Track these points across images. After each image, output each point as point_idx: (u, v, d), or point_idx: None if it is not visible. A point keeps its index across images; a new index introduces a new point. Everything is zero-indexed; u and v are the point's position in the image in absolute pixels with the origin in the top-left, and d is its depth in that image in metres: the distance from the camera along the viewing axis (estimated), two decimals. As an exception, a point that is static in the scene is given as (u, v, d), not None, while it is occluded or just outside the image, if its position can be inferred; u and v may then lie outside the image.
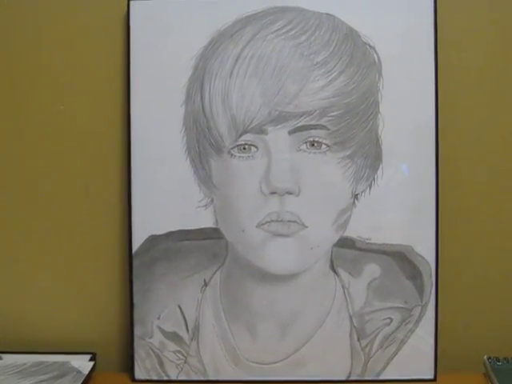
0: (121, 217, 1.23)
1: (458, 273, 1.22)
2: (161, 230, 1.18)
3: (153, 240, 1.18)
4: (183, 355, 1.18)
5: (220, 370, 1.18)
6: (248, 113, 1.12)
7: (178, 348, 1.18)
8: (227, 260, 1.18)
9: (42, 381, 1.14)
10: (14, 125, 1.24)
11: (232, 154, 1.13)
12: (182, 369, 1.19)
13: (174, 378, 1.19)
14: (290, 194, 1.12)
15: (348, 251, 1.17)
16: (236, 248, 1.16)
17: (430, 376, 1.17)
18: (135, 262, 1.19)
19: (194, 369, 1.19)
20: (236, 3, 1.15)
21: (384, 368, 1.18)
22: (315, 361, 1.18)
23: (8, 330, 1.25)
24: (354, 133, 1.14)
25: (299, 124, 1.12)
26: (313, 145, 1.13)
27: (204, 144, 1.15)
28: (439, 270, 1.17)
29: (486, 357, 1.19)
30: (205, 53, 1.15)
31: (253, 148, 1.13)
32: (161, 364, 1.19)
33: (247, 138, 1.12)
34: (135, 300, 1.19)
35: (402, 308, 1.17)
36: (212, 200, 1.17)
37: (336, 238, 1.16)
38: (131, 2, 1.18)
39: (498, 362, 1.17)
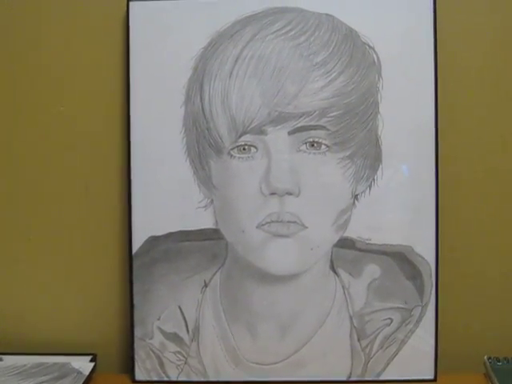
0: (121, 217, 1.23)
1: (458, 273, 1.22)
2: (161, 231, 1.18)
3: (153, 241, 1.18)
4: (183, 356, 1.18)
5: (220, 370, 1.18)
6: (248, 113, 1.12)
7: (179, 349, 1.18)
8: (227, 261, 1.18)
9: (42, 382, 1.14)
10: (14, 125, 1.24)
11: (232, 155, 1.13)
12: (182, 370, 1.19)
13: (174, 378, 1.19)
14: (290, 194, 1.12)
15: (348, 252, 1.17)
16: (236, 249, 1.16)
17: (431, 376, 1.17)
18: (135, 263, 1.19)
19: (195, 369, 1.19)
20: (235, 4, 1.15)
21: (384, 368, 1.18)
22: (315, 361, 1.18)
23: (8, 331, 1.25)
24: (354, 133, 1.14)
25: (299, 124, 1.12)
26: (312, 145, 1.13)
27: (204, 145, 1.15)
28: (439, 270, 1.17)
29: (486, 357, 1.19)
30: (204, 53, 1.15)
31: (252, 149, 1.13)
32: (161, 365, 1.19)
33: (247, 138, 1.12)
34: (135, 301, 1.19)
35: (402, 308, 1.17)
36: (212, 201, 1.17)
37: (336, 239, 1.16)
38: (131, 3, 1.18)
39: (499, 362, 1.17)
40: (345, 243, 1.16)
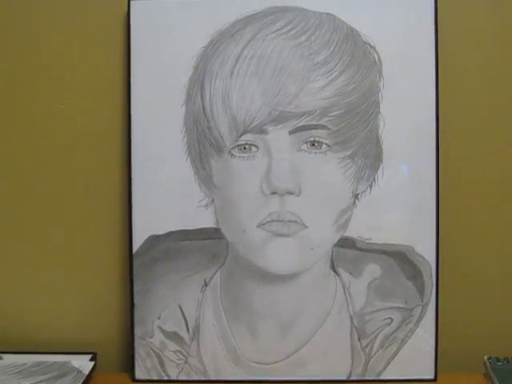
0: (121, 217, 1.23)
1: (458, 273, 1.23)
2: (161, 230, 1.18)
3: (153, 240, 1.18)
4: (184, 355, 1.18)
5: (220, 369, 1.18)
6: (248, 113, 1.12)
7: (179, 348, 1.18)
8: (228, 260, 1.18)
9: (42, 381, 1.14)
10: (14, 125, 1.24)
11: (232, 154, 1.13)
12: (182, 369, 1.19)
13: (174, 377, 1.19)
14: (291, 193, 1.12)
15: (348, 251, 1.17)
16: (236, 248, 1.16)
17: (431, 376, 1.17)
18: (135, 262, 1.19)
19: (195, 369, 1.19)
20: (236, 3, 1.15)
21: (384, 368, 1.18)
22: (316, 361, 1.18)
23: (8, 329, 1.25)
24: (355, 133, 1.14)
25: (300, 124, 1.12)
26: (313, 145, 1.13)
27: (204, 144, 1.15)
28: (439, 270, 1.17)
29: (486, 357, 1.19)
30: (205, 53, 1.15)
31: (253, 148, 1.13)
32: (161, 364, 1.19)
33: (248, 137, 1.12)
34: (136, 300, 1.19)
35: (402, 308, 1.17)
36: (212, 200, 1.17)
37: (336, 238, 1.16)
38: (131, 2, 1.18)
39: (499, 362, 1.18)
40: (345, 243, 1.16)
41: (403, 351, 1.17)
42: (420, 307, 1.17)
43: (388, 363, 1.18)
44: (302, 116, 1.11)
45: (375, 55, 1.15)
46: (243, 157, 1.13)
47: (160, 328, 1.18)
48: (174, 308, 1.18)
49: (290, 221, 1.12)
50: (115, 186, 1.23)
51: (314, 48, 1.13)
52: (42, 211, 1.25)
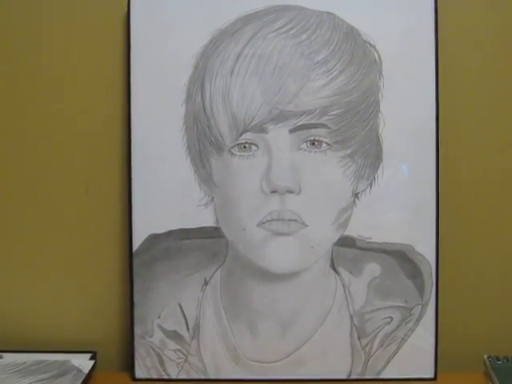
0: (121, 216, 1.23)
1: (458, 272, 1.23)
2: (161, 229, 1.18)
3: (153, 239, 1.18)
4: (184, 354, 1.18)
5: (220, 368, 1.18)
6: (248, 111, 1.12)
7: (179, 347, 1.18)
8: (228, 259, 1.18)
9: (42, 379, 1.14)
10: (13, 125, 1.24)
11: (232, 153, 1.13)
12: (182, 367, 1.19)
13: (174, 376, 1.19)
14: (291, 192, 1.12)
15: (348, 250, 1.17)
16: (236, 247, 1.16)
17: (431, 375, 1.18)
18: (135, 261, 1.19)
19: (195, 367, 1.19)
20: (237, 2, 1.15)
21: (384, 367, 1.18)
22: (316, 359, 1.18)
23: (8, 328, 1.25)
24: (355, 132, 1.14)
25: (300, 123, 1.12)
26: (313, 144, 1.13)
27: (204, 143, 1.15)
28: (439, 269, 1.17)
29: (486, 356, 1.19)
30: (205, 51, 1.15)
31: (253, 147, 1.13)
32: (161, 363, 1.19)
33: (248, 136, 1.12)
34: (135, 299, 1.19)
35: (402, 307, 1.17)
36: (212, 199, 1.17)
37: (336, 237, 1.16)
38: (131, 1, 1.18)
39: (498, 360, 1.18)
40: (345, 242, 1.16)
41: (403, 350, 1.17)
42: (420, 306, 1.17)
43: (388, 362, 1.18)
44: (302, 115, 1.12)
45: (375, 54, 1.15)
46: (243, 155, 1.13)
47: (160, 327, 1.18)
48: (174, 307, 1.18)
49: (289, 219, 1.12)
50: (115, 184, 1.23)
51: (314, 47, 1.13)
52: (42, 211, 1.25)
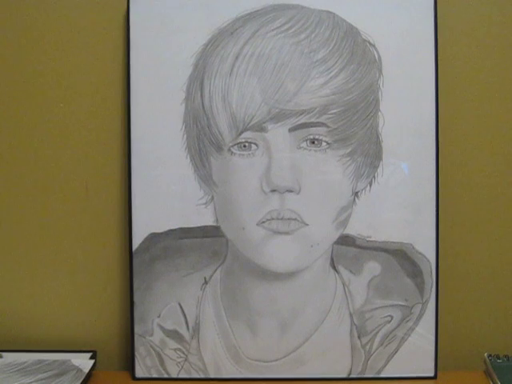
0: (121, 215, 1.23)
1: (458, 271, 1.23)
2: (161, 228, 1.18)
3: (153, 238, 1.18)
4: (184, 353, 1.18)
5: (220, 367, 1.18)
6: (248, 110, 1.12)
7: (179, 346, 1.18)
8: (227, 258, 1.18)
9: (42, 379, 1.13)
10: (14, 125, 1.24)
11: (232, 152, 1.13)
12: (182, 367, 1.19)
13: (174, 376, 1.19)
14: (291, 191, 1.12)
15: (348, 249, 1.17)
16: (236, 246, 1.16)
17: (431, 374, 1.17)
18: (135, 260, 1.19)
19: (195, 367, 1.19)
20: (236, 1, 1.15)
21: (384, 366, 1.18)
22: (316, 358, 1.18)
23: (8, 328, 1.25)
24: (354, 130, 1.14)
25: (299, 122, 1.12)
26: (313, 142, 1.13)
27: (204, 142, 1.15)
28: (439, 267, 1.17)
29: (486, 354, 1.19)
30: (205, 50, 1.15)
31: (253, 146, 1.13)
32: (161, 362, 1.19)
33: (247, 135, 1.12)
34: (135, 298, 1.19)
35: (402, 306, 1.17)
36: (212, 198, 1.17)
37: (336, 236, 1.16)
38: (131, 0, 1.17)
39: (499, 359, 1.17)
40: (345, 240, 1.16)
41: (403, 349, 1.17)
42: (420, 305, 1.17)
43: (388, 361, 1.18)
44: (301, 114, 1.12)
45: (375, 53, 1.15)
46: (243, 155, 1.13)
47: (160, 326, 1.18)
48: (174, 306, 1.18)
49: (289, 218, 1.13)
50: (115, 184, 1.23)
51: (313, 46, 1.13)
52: (41, 210, 1.25)
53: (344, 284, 1.17)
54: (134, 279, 1.19)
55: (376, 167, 1.16)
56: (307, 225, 1.13)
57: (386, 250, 1.16)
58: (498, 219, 1.23)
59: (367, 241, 1.16)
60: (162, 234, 1.18)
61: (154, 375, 1.19)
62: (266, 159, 1.12)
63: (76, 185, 1.24)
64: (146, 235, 1.18)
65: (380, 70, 1.15)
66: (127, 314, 1.21)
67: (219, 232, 1.17)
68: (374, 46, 1.14)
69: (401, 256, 1.16)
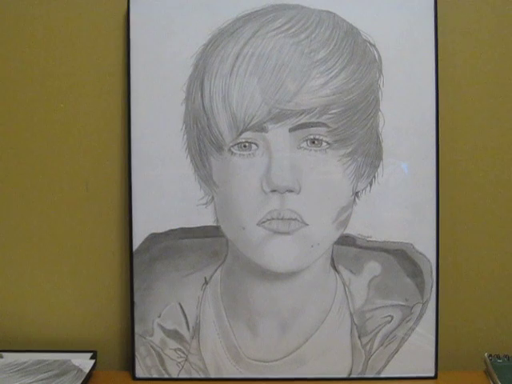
0: (121, 215, 1.23)
1: (458, 271, 1.23)
2: (161, 228, 1.18)
3: (153, 238, 1.18)
4: (184, 353, 1.18)
5: (221, 367, 1.18)
6: (248, 111, 1.12)
7: (179, 346, 1.18)
8: (228, 258, 1.18)
9: (42, 379, 1.13)
10: (14, 124, 1.24)
11: (232, 152, 1.13)
12: (182, 367, 1.19)
13: (174, 376, 1.19)
14: (291, 191, 1.12)
15: (349, 249, 1.17)
16: (236, 246, 1.16)
17: (431, 374, 1.17)
18: (135, 260, 1.19)
19: (195, 367, 1.19)
20: (236, 1, 1.15)
21: (385, 366, 1.18)
22: (316, 358, 1.18)
23: (8, 328, 1.25)
24: (355, 130, 1.14)
25: (300, 122, 1.12)
26: (313, 142, 1.13)
27: (204, 142, 1.15)
28: (440, 267, 1.17)
29: (486, 354, 1.19)
30: (205, 51, 1.15)
31: (253, 146, 1.13)
32: (162, 362, 1.19)
33: (248, 135, 1.12)
34: (136, 298, 1.19)
35: (402, 306, 1.17)
36: (212, 198, 1.17)
37: (337, 236, 1.16)
38: (131, 0, 1.17)
39: (499, 359, 1.18)
40: (345, 240, 1.16)
41: (403, 349, 1.17)
42: (420, 305, 1.17)
43: (388, 361, 1.18)
44: (301, 114, 1.12)
45: (375, 53, 1.15)
46: (243, 155, 1.13)
47: (160, 326, 1.18)
48: (175, 306, 1.18)
49: (289, 219, 1.12)
50: (115, 184, 1.23)
51: (313, 46, 1.13)
52: (42, 210, 1.25)
53: (344, 284, 1.17)
54: (135, 279, 1.19)
55: (376, 167, 1.16)
56: (307, 225, 1.13)
57: (386, 250, 1.16)
58: (498, 219, 1.23)
59: (367, 241, 1.16)
60: (162, 234, 1.18)
61: (155, 375, 1.19)
62: (267, 159, 1.12)
63: (76, 185, 1.24)
64: (146, 235, 1.18)
65: (380, 70, 1.15)
66: (127, 314, 1.22)
67: (219, 232, 1.17)
68: (374, 46, 1.15)
69: (401, 256, 1.16)
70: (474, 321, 1.24)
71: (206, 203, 1.17)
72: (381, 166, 1.16)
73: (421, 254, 1.17)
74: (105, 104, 1.23)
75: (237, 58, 1.13)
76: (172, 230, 1.18)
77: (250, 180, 1.13)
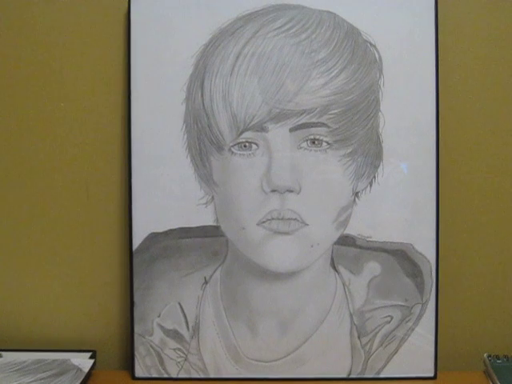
0: (121, 215, 1.23)
1: (458, 271, 1.23)
2: (161, 228, 1.18)
3: (153, 238, 1.18)
4: (183, 353, 1.18)
5: (220, 367, 1.18)
6: (249, 110, 1.12)
7: (179, 346, 1.18)
8: (227, 258, 1.18)
9: (41, 378, 1.13)
10: (14, 124, 1.24)
11: (233, 152, 1.13)
12: (182, 366, 1.19)
13: (174, 375, 1.19)
14: (291, 191, 1.12)
15: (348, 249, 1.17)
16: (236, 246, 1.16)
17: (430, 374, 1.18)
18: (135, 260, 1.19)
19: (195, 366, 1.19)
20: (237, 1, 1.15)
21: (384, 366, 1.18)
22: (315, 358, 1.18)
23: (8, 327, 1.25)
24: (355, 131, 1.14)
25: (300, 122, 1.12)
26: (313, 142, 1.13)
27: (205, 142, 1.15)
28: (439, 268, 1.17)
29: (486, 355, 1.19)
30: (205, 50, 1.15)
31: (253, 146, 1.13)
32: (161, 362, 1.19)
33: (248, 135, 1.12)
34: (135, 298, 1.19)
35: (402, 306, 1.17)
36: (212, 198, 1.17)
37: (336, 236, 1.16)
38: (132, 0, 1.17)
39: (498, 359, 1.18)
40: (345, 240, 1.16)
41: (403, 349, 1.17)
42: (420, 305, 1.17)
43: (388, 361, 1.18)
44: (302, 114, 1.12)
45: (375, 53, 1.15)
46: (243, 154, 1.13)
47: (160, 326, 1.18)
48: (174, 306, 1.18)
49: (289, 218, 1.13)
50: (115, 183, 1.23)
51: (314, 46, 1.13)
52: (42, 210, 1.25)
53: (344, 284, 1.17)
54: (134, 279, 1.19)
55: (376, 167, 1.16)
56: (307, 225, 1.13)
57: (386, 250, 1.16)
58: (498, 219, 1.23)
59: (367, 241, 1.17)
60: (162, 233, 1.18)
61: (154, 375, 1.19)
62: (267, 159, 1.12)
63: (76, 185, 1.24)
64: (146, 235, 1.18)
65: (381, 71, 1.15)
66: (127, 314, 1.21)
67: (219, 232, 1.17)
68: (374, 46, 1.15)
69: (401, 256, 1.17)
70: (473, 321, 1.24)
71: (205, 203, 1.17)
72: (381, 166, 1.16)
73: (420, 254, 1.17)
74: (105, 104, 1.23)
75: (237, 57, 1.13)
76: (172, 230, 1.18)
77: (250, 180, 1.13)
